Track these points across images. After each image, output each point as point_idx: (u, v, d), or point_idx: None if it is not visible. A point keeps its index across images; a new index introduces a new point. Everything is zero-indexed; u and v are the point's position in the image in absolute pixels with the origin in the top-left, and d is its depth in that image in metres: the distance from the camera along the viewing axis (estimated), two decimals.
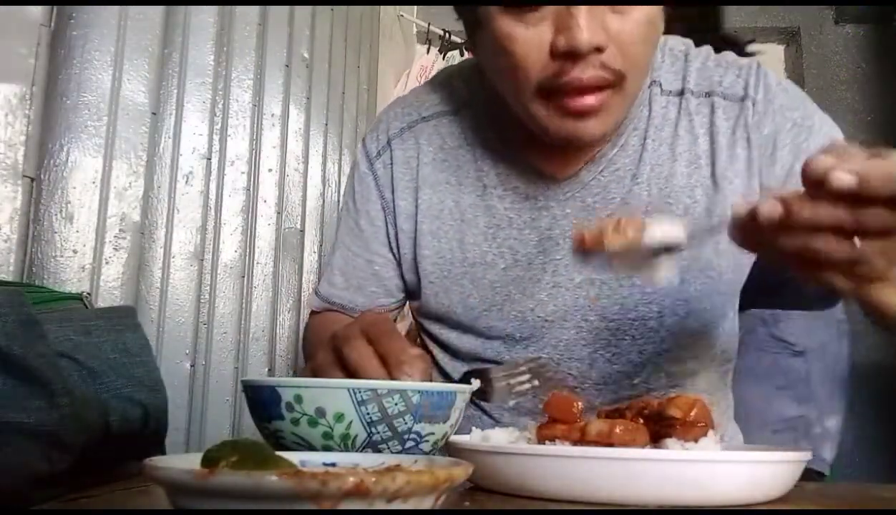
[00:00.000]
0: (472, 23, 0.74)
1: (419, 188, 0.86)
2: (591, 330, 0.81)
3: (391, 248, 0.89)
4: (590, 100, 0.68)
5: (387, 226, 0.88)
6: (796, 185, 0.75)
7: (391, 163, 0.88)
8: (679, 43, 0.85)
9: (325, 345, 0.59)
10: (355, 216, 0.90)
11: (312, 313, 0.96)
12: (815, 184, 0.47)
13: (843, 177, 0.45)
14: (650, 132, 0.81)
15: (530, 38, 0.67)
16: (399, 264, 0.89)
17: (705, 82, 0.81)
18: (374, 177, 0.89)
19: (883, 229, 0.47)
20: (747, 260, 0.82)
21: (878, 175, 0.45)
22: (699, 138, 0.80)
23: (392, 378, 0.53)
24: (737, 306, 0.90)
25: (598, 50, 0.66)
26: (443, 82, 0.91)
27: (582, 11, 0.65)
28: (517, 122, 0.77)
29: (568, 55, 0.66)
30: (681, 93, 0.81)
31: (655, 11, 0.70)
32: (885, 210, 0.46)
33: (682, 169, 0.80)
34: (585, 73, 0.67)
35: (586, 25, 0.65)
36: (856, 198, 0.46)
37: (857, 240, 0.48)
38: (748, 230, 0.52)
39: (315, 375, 0.58)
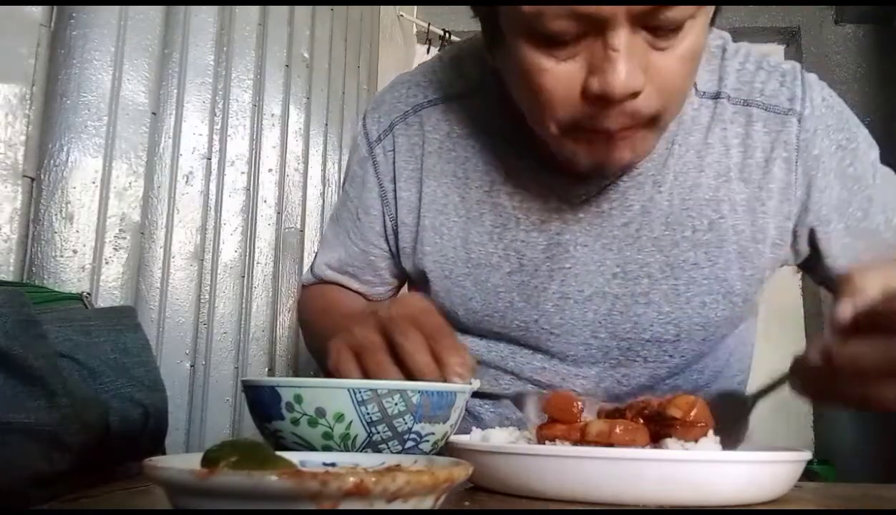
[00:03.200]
0: (493, 36, 0.67)
1: (423, 179, 0.80)
2: (600, 348, 0.76)
3: (386, 239, 0.84)
4: (618, 136, 0.62)
5: (384, 216, 0.83)
6: (839, 214, 0.74)
7: (393, 150, 0.81)
8: (716, 37, 0.76)
9: (365, 321, 0.57)
10: (355, 200, 0.86)
11: (304, 287, 0.94)
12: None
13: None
14: (679, 136, 0.74)
15: (560, 73, 0.60)
16: (394, 255, 0.85)
17: (745, 88, 0.74)
18: (373, 162, 0.83)
19: None
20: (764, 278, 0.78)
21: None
22: (731, 149, 0.73)
23: (442, 377, 0.54)
24: (755, 316, 0.86)
25: (634, 94, 0.59)
26: (453, 62, 0.83)
27: (621, 53, 0.56)
28: None
29: (600, 99, 0.59)
30: (716, 96, 0.74)
31: (700, 40, 0.61)
32: None
33: (710, 181, 0.73)
34: (616, 122, 0.60)
35: (624, 68, 0.56)
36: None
37: None
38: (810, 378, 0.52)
39: (358, 355, 0.56)
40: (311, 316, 0.90)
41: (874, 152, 0.77)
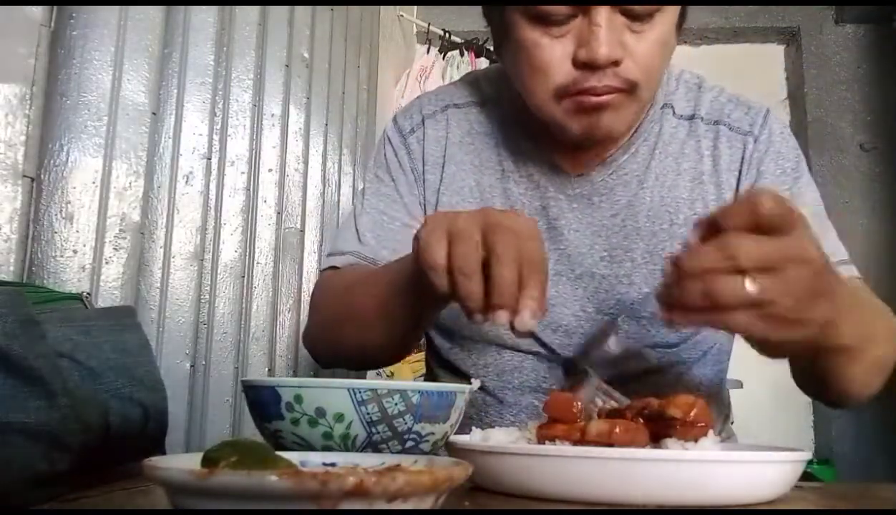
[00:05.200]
0: (500, 30, 0.81)
1: (445, 165, 0.91)
2: (588, 320, 0.86)
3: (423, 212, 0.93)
4: (603, 98, 0.74)
5: (419, 195, 0.93)
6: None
7: (423, 140, 0.93)
8: (693, 76, 0.92)
9: (472, 216, 0.59)
10: (391, 184, 0.93)
11: (328, 269, 0.91)
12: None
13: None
14: (659, 145, 0.87)
15: (554, 48, 0.73)
16: None
17: (715, 112, 0.88)
18: (407, 150, 0.94)
19: (760, 264, 0.49)
20: None
21: (735, 208, 0.50)
22: (704, 158, 0.87)
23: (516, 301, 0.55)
24: None
25: (615, 63, 0.72)
26: (471, 80, 0.98)
27: (602, 28, 0.71)
28: (537, 121, 0.82)
29: (587, 66, 0.72)
30: (691, 117, 0.89)
31: (669, 31, 0.75)
32: (754, 243, 0.48)
33: (686, 183, 0.86)
34: (602, 81, 0.73)
35: (605, 40, 0.70)
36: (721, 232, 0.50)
37: (748, 282, 0.48)
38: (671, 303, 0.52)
39: (451, 241, 0.57)
40: (340, 290, 0.87)
41: (814, 190, 0.88)
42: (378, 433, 0.49)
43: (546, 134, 0.84)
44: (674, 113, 0.89)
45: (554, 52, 0.73)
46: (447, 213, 0.61)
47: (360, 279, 0.84)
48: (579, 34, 0.72)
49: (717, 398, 0.92)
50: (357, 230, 0.91)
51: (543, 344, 0.86)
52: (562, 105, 0.76)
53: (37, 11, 0.79)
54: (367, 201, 0.93)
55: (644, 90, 0.76)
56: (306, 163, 1.59)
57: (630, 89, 0.74)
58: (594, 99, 0.74)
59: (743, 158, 0.86)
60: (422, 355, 1.18)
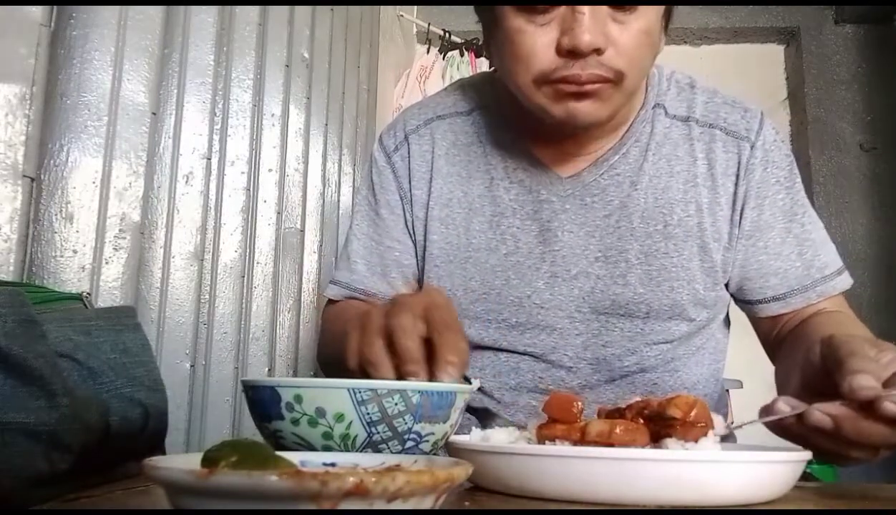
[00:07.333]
0: (488, 21, 0.82)
1: (433, 178, 0.92)
2: (583, 321, 0.86)
3: (410, 235, 0.93)
4: (586, 87, 0.74)
5: (405, 214, 0.94)
6: (760, 233, 0.85)
7: (408, 156, 0.93)
8: (684, 76, 0.92)
9: (382, 306, 0.61)
10: (376, 207, 0.95)
11: (329, 302, 0.99)
12: (865, 405, 0.52)
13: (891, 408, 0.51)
14: (651, 146, 0.87)
15: (539, 35, 0.74)
16: (417, 250, 0.94)
17: (711, 115, 0.88)
18: (392, 169, 0.94)
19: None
20: (727, 277, 0.88)
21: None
22: (698, 160, 0.86)
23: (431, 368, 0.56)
24: (726, 310, 0.95)
25: (598, 52, 0.73)
26: (456, 89, 0.98)
27: (586, 16, 0.71)
28: (526, 121, 0.83)
29: (570, 53, 0.73)
30: (686, 119, 0.88)
31: (654, 23, 0.76)
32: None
33: (679, 185, 0.86)
34: (585, 70, 0.73)
35: (588, 28, 0.71)
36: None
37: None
38: (787, 425, 0.55)
39: (361, 337, 0.59)
40: (334, 325, 0.93)
41: (804, 195, 0.90)
42: (378, 433, 0.48)
43: (536, 134, 0.84)
44: (666, 113, 0.88)
45: (537, 39, 0.74)
46: (360, 315, 0.62)
47: (339, 334, 0.87)
48: (563, 22, 0.73)
49: (714, 397, 0.93)
50: (349, 258, 0.96)
51: (539, 346, 0.86)
52: (542, 90, 0.76)
53: (37, 11, 0.79)
54: (356, 225, 0.97)
55: (629, 80, 0.76)
56: (306, 163, 1.59)
57: (616, 79, 0.75)
58: (575, 86, 0.74)
59: (739, 163, 0.86)
60: None
